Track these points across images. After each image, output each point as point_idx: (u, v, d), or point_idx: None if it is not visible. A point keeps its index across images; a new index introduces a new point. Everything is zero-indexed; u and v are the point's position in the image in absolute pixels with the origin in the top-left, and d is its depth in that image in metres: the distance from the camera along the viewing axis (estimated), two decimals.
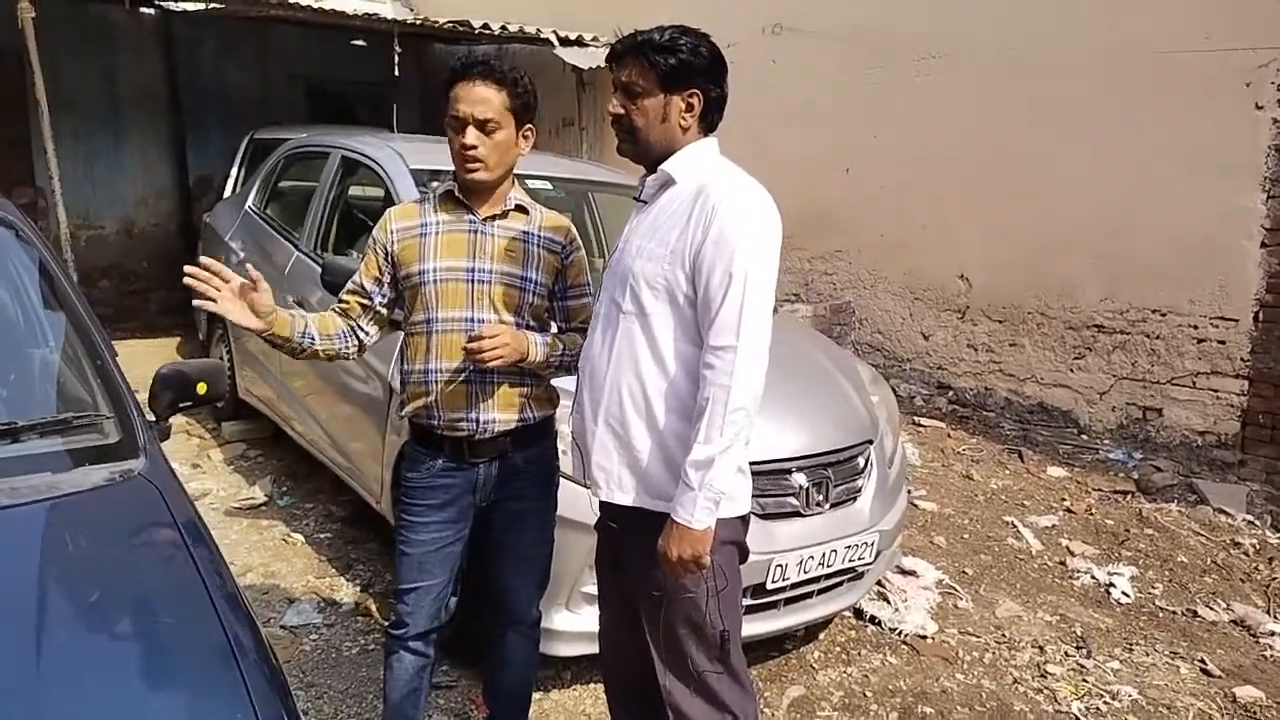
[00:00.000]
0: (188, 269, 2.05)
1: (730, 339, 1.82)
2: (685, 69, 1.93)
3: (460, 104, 2.17)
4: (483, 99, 2.15)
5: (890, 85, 6.68)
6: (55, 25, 6.37)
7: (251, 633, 1.62)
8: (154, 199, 9.02)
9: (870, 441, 3.35)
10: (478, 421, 2.24)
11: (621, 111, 1.98)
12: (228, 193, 7.23)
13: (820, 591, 3.16)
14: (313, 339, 2.24)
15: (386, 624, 2.53)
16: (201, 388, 2.19)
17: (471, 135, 2.16)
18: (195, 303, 2.06)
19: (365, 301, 2.31)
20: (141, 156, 8.90)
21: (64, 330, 2.26)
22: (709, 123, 2.01)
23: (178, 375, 2.17)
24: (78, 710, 1.38)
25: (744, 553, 2.07)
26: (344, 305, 2.32)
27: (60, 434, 1.98)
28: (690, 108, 1.96)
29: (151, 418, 2.14)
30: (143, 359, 2.24)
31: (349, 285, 2.34)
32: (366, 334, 2.34)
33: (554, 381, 2.38)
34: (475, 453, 2.28)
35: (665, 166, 1.98)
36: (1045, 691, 3.26)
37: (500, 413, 2.26)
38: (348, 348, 2.32)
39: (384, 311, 2.34)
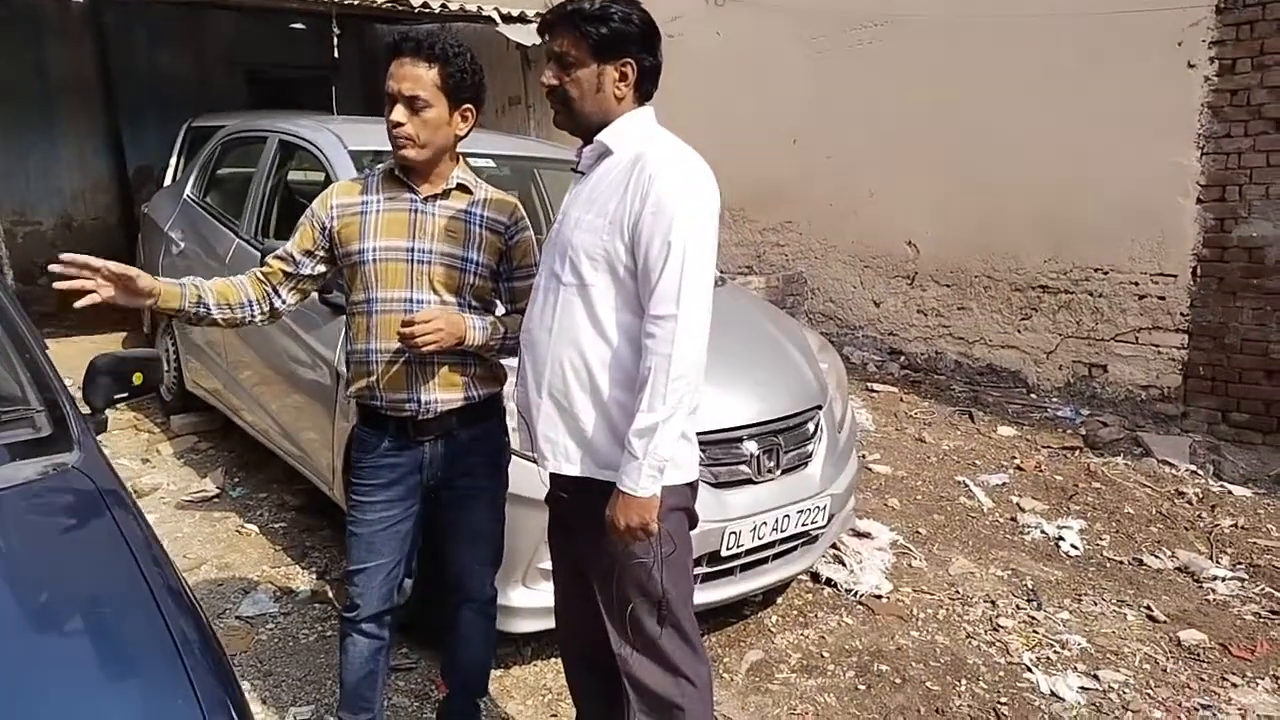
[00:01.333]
0: (54, 268, 1.91)
1: (670, 308, 1.82)
2: (617, 38, 1.91)
3: (390, 81, 2.15)
4: (412, 76, 2.13)
5: (835, 55, 6.70)
6: None
7: (194, 622, 1.60)
8: (92, 191, 8.82)
9: (819, 407, 3.39)
10: (420, 402, 2.23)
11: (555, 82, 1.96)
12: (167, 182, 7.07)
13: (775, 556, 3.19)
14: (208, 309, 2.17)
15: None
16: (137, 377, 2.15)
17: (399, 113, 2.14)
18: (77, 304, 1.93)
19: (290, 270, 2.27)
20: (77, 149, 8.69)
21: None
22: (644, 92, 2.00)
23: (112, 365, 2.13)
24: (18, 707, 1.35)
25: (693, 519, 2.08)
26: (266, 269, 2.28)
27: None
28: (624, 77, 1.94)
29: (87, 410, 2.09)
30: (86, 355, 2.19)
31: (278, 251, 2.29)
32: (283, 301, 2.29)
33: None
34: (420, 432, 2.27)
35: (601, 136, 1.97)
36: (998, 644, 3.34)
37: (443, 393, 2.24)
38: (254, 316, 2.26)
39: (307, 285, 2.30)
